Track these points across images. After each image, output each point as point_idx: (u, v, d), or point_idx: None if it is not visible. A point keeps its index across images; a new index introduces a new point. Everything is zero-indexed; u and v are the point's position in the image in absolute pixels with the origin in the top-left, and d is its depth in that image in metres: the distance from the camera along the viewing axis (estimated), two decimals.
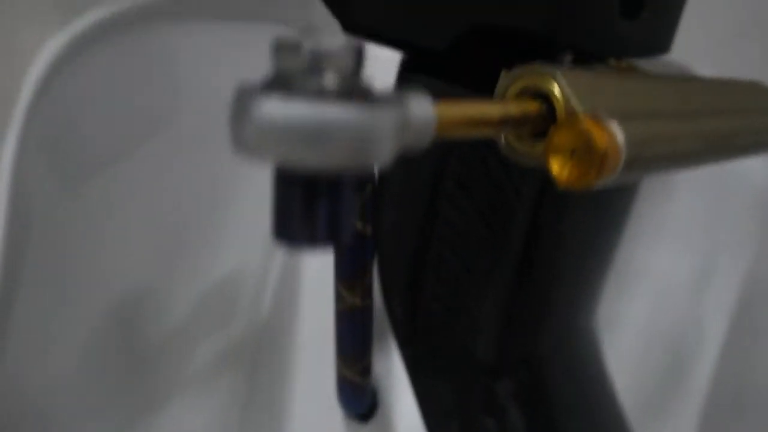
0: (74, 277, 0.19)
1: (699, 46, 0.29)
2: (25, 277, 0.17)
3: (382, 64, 0.23)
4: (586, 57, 0.23)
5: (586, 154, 0.15)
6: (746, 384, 0.37)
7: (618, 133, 0.16)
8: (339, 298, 0.22)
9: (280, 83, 0.12)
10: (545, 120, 0.17)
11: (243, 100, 0.12)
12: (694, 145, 0.19)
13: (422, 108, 0.14)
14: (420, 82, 0.23)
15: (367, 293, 0.22)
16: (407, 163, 0.18)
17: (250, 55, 0.22)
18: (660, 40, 0.25)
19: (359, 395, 0.24)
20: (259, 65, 0.23)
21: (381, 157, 0.12)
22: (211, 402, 0.25)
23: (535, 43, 0.22)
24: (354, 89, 0.12)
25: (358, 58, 0.13)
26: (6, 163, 0.14)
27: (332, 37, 0.12)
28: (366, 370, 0.23)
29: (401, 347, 0.25)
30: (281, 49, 0.12)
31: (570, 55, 0.24)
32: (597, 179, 0.16)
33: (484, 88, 0.22)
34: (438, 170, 0.23)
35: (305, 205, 0.12)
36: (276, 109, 0.12)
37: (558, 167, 0.16)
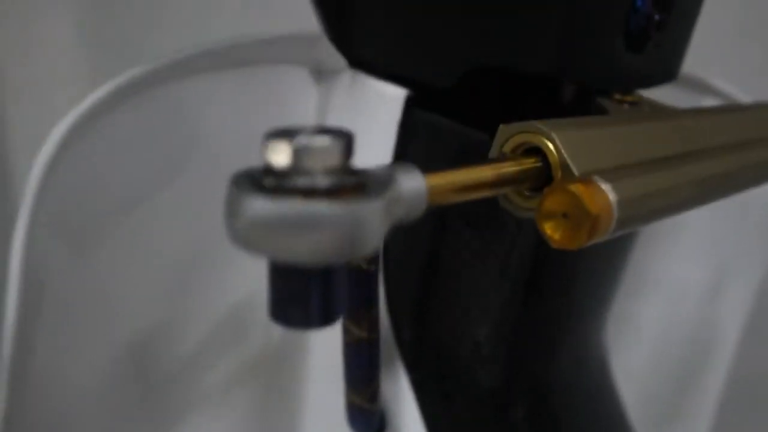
0: (90, 319, 0.20)
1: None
2: (42, 326, 0.18)
3: (388, 100, 0.24)
4: (592, 92, 0.23)
5: (578, 218, 0.16)
6: (759, 390, 0.37)
7: (611, 195, 0.16)
8: (346, 331, 0.23)
9: (270, 180, 0.13)
10: (542, 176, 0.18)
11: (234, 196, 0.13)
12: (694, 192, 0.19)
13: (413, 182, 0.15)
14: (425, 119, 0.23)
15: (374, 326, 0.23)
16: None
17: (259, 97, 0.23)
18: (667, 69, 0.24)
19: (368, 419, 0.25)
20: (267, 106, 0.24)
21: (372, 244, 0.13)
22: (227, 421, 0.26)
23: (540, 82, 0.22)
24: (343, 183, 0.13)
25: (348, 147, 0.13)
26: (20, 231, 0.15)
27: (321, 133, 0.13)
28: (374, 396, 0.24)
29: (409, 371, 0.25)
30: (271, 144, 0.13)
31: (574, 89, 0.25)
32: (589, 241, 0.16)
33: (490, 125, 0.22)
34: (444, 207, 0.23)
35: (298, 293, 0.13)
36: (264, 209, 0.12)
37: (550, 229, 0.16)
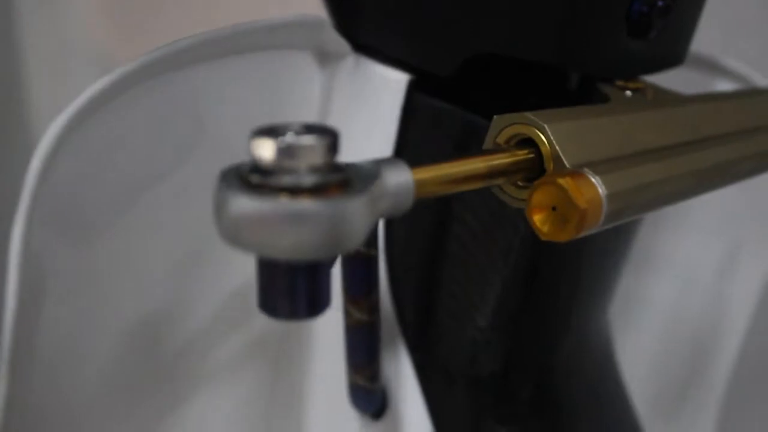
0: (97, 303, 0.20)
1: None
2: (45, 312, 0.18)
3: (392, 84, 0.24)
4: (595, 78, 0.23)
5: (566, 211, 0.16)
6: None
7: (600, 188, 0.16)
8: (347, 314, 0.23)
9: (255, 177, 0.13)
10: (535, 167, 0.18)
11: (221, 192, 0.13)
12: (691, 183, 0.19)
13: (399, 177, 0.15)
14: (428, 104, 0.23)
15: (374, 309, 0.23)
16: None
17: (263, 82, 0.23)
18: (672, 55, 0.24)
19: (369, 397, 0.25)
20: (271, 91, 0.24)
21: (356, 240, 0.13)
22: (234, 395, 0.27)
23: (542, 69, 0.22)
24: (327, 180, 0.13)
25: (333, 144, 0.13)
26: (19, 222, 0.16)
27: (307, 131, 0.13)
28: (375, 376, 0.25)
29: (411, 352, 0.26)
30: (257, 142, 0.13)
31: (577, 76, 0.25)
32: (577, 233, 0.16)
33: (492, 111, 0.22)
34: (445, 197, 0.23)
35: (285, 286, 0.13)
36: (249, 207, 0.13)
37: (539, 221, 0.16)
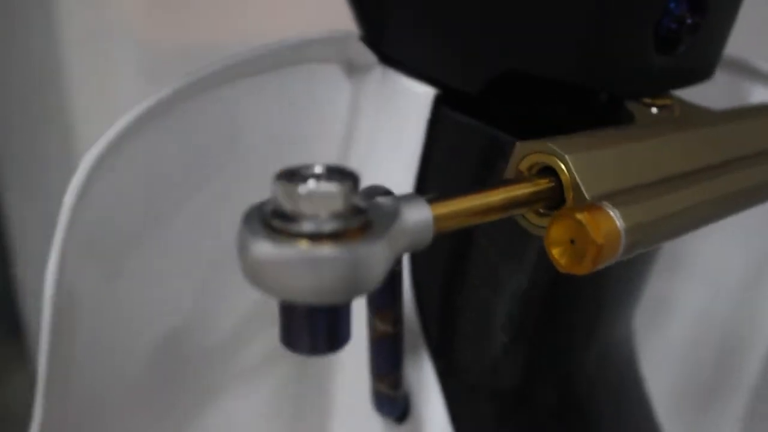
0: (126, 324, 0.21)
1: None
2: (78, 334, 0.19)
3: (419, 96, 0.24)
4: (622, 96, 0.23)
5: (583, 245, 0.16)
6: None
7: (619, 222, 0.17)
8: (371, 325, 0.24)
9: (277, 222, 0.13)
10: (556, 195, 0.18)
11: (243, 235, 0.13)
12: (716, 209, 0.19)
13: (419, 214, 0.15)
14: (454, 119, 0.24)
15: (398, 321, 0.23)
16: None
17: (292, 95, 0.23)
18: (701, 69, 0.24)
19: (392, 404, 0.26)
20: (300, 104, 0.24)
21: (376, 282, 0.14)
22: (261, 398, 0.28)
23: (568, 87, 0.22)
24: (347, 226, 0.13)
25: (353, 188, 0.14)
26: (57, 241, 0.17)
27: (328, 175, 0.14)
28: (397, 383, 0.25)
29: (434, 359, 0.26)
30: (280, 187, 0.13)
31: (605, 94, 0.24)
32: (594, 267, 0.16)
33: (518, 128, 0.22)
34: None
35: (305, 326, 0.14)
36: (270, 252, 0.13)
37: (558, 254, 0.17)
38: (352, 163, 0.26)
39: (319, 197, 0.13)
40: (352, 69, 0.25)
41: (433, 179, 0.25)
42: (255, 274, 0.13)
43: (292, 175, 0.13)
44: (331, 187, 0.13)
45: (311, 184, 0.13)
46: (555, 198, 0.18)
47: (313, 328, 0.14)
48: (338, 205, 0.13)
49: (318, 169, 0.14)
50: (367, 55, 0.25)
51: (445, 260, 0.25)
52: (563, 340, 0.26)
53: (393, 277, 0.23)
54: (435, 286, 0.26)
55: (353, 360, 0.28)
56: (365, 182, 0.27)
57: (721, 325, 0.37)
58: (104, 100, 0.67)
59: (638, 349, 0.30)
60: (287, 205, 0.13)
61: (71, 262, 0.17)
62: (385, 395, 0.25)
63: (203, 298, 0.23)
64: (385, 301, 0.23)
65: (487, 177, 0.24)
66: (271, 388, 0.28)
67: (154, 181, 0.20)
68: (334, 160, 0.26)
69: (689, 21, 0.22)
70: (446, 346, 0.26)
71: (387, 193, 0.19)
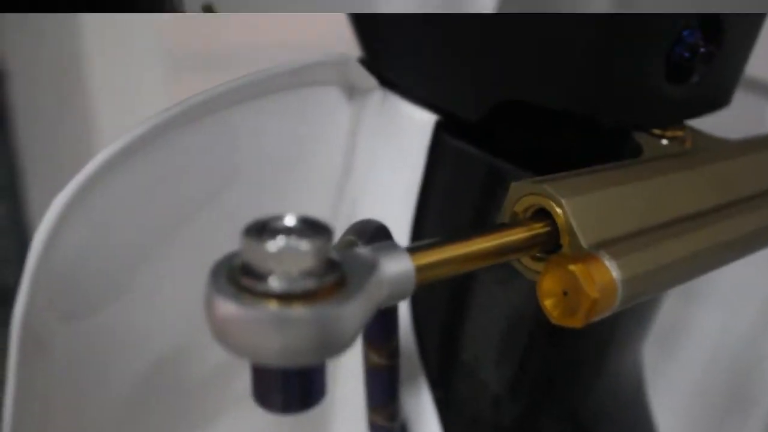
0: (118, 348, 0.21)
1: None
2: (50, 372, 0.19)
3: (419, 121, 0.23)
4: (628, 127, 0.22)
5: (576, 298, 0.15)
6: None
7: (615, 273, 0.16)
8: (367, 358, 0.23)
9: (246, 279, 0.13)
10: (553, 240, 0.17)
11: (210, 291, 0.13)
12: (723, 254, 0.18)
13: (398, 266, 0.15)
14: (454, 146, 0.23)
15: (394, 354, 0.23)
16: None
17: (292, 119, 0.23)
18: (716, 98, 0.23)
19: None
20: (300, 127, 0.24)
21: (350, 342, 0.13)
22: (256, 425, 0.27)
23: (574, 119, 0.22)
24: (320, 284, 0.13)
25: (326, 243, 0.13)
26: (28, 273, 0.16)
27: (300, 229, 0.13)
28: (394, 415, 0.24)
29: (433, 389, 0.26)
30: (247, 244, 0.13)
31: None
32: (588, 321, 0.16)
33: (519, 157, 0.22)
34: None
35: (277, 386, 0.13)
36: (237, 313, 0.12)
37: (550, 305, 0.16)
38: (352, 188, 0.26)
39: (289, 255, 0.13)
40: (353, 92, 0.24)
41: (433, 206, 0.24)
42: (221, 334, 0.13)
43: (262, 230, 0.13)
44: (302, 244, 0.13)
45: (281, 240, 0.13)
46: (551, 242, 0.17)
47: (285, 388, 0.13)
48: (310, 263, 0.13)
49: (289, 221, 0.13)
50: (367, 79, 0.24)
51: (445, 289, 0.25)
52: (568, 375, 0.25)
53: (387, 313, 0.22)
54: (434, 314, 0.25)
55: (351, 388, 0.27)
56: (364, 206, 0.27)
57: (736, 349, 0.36)
58: (126, 101, 0.67)
59: (651, 373, 0.29)
60: (256, 262, 0.13)
61: (41, 306, 0.17)
62: (381, 428, 0.25)
63: (192, 328, 0.23)
64: (380, 335, 0.22)
65: (487, 205, 0.23)
66: (267, 415, 0.27)
67: (149, 206, 0.19)
68: (333, 184, 0.26)
69: (703, 50, 0.21)
70: (445, 377, 0.25)
71: (379, 228, 0.19)
